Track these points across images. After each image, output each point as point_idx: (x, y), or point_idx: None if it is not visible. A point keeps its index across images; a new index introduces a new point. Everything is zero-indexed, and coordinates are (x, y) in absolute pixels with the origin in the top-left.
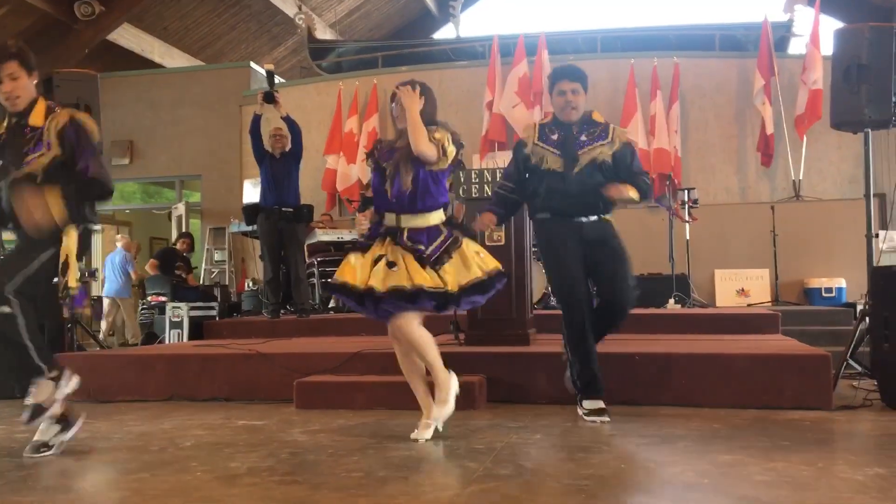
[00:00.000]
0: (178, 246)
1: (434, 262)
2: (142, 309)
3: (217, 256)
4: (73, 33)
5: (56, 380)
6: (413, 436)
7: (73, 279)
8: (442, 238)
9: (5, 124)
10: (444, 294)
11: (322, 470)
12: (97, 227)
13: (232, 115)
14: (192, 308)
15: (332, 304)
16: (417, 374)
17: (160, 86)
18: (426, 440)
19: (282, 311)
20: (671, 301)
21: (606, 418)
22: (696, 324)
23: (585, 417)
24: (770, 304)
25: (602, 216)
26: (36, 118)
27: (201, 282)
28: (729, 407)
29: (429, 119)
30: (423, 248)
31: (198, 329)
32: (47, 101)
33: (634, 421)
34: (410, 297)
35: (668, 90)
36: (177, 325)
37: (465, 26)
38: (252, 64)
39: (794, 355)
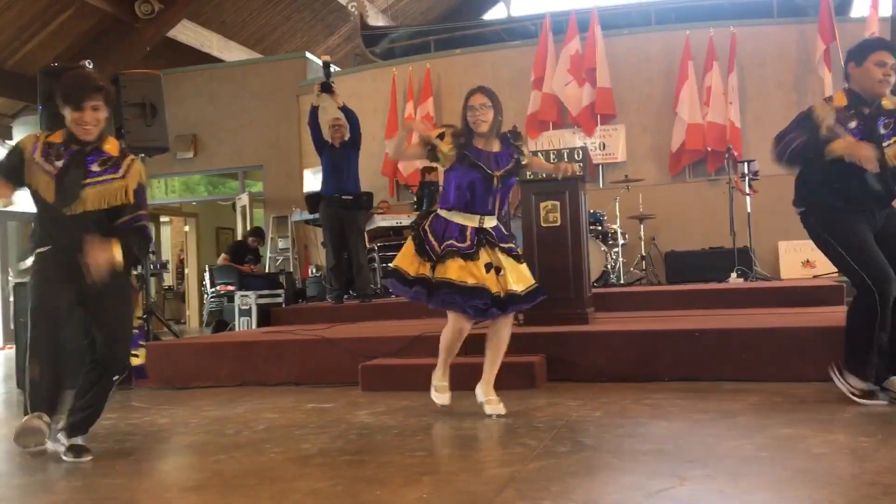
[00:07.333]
0: (249, 241)
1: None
2: (211, 297)
3: (281, 244)
4: (135, 32)
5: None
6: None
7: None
8: (509, 235)
9: (62, 153)
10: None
11: (388, 449)
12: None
13: (290, 105)
14: (260, 296)
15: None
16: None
17: (220, 80)
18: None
19: (345, 297)
20: (733, 275)
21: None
22: (758, 297)
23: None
24: (837, 274)
25: None
26: (111, 148)
27: (267, 270)
28: (791, 381)
29: (500, 127)
30: (514, 247)
31: (266, 316)
32: (117, 139)
33: (694, 396)
34: (526, 299)
35: (726, 60)
36: (246, 312)
37: (516, 5)
38: (307, 54)
39: None
